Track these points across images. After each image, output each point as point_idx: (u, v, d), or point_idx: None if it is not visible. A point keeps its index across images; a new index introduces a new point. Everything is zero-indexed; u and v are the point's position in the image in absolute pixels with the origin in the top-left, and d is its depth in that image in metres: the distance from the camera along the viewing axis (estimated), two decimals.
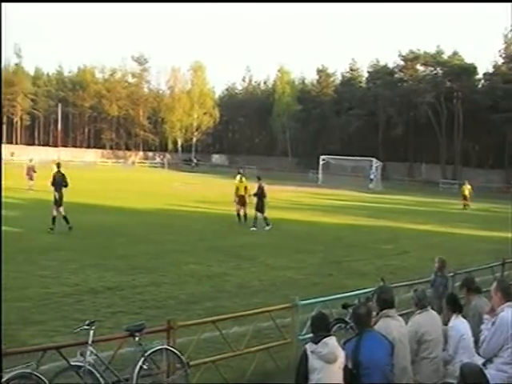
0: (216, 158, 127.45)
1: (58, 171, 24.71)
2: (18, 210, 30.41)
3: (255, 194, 28.13)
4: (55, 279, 15.16)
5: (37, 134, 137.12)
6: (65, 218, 24.00)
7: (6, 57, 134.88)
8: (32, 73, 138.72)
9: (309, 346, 6.64)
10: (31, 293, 13.65)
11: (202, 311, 12.24)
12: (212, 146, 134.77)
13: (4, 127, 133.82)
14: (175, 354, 8.28)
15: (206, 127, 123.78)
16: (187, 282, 15.74)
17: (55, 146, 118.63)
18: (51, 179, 24.53)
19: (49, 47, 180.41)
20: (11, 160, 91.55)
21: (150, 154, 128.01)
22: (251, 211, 28.29)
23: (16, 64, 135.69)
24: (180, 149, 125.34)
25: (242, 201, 28.86)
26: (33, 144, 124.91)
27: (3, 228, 23.70)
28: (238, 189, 29.56)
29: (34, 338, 10.30)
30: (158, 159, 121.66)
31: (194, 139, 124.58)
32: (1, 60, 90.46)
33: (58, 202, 24.04)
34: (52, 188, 24.47)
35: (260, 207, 27.62)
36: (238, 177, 31.29)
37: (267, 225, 27.04)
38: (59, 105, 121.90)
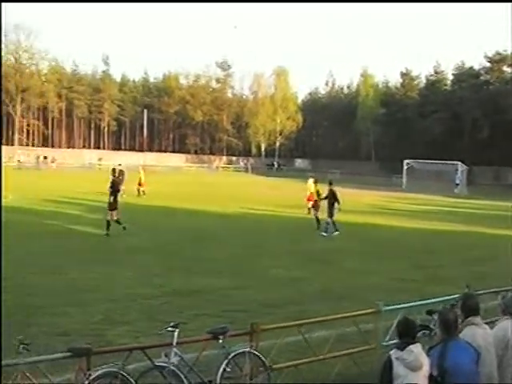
0: (299, 163, 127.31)
1: (114, 176, 25.31)
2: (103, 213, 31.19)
3: (325, 198, 27.74)
4: (141, 281, 15.44)
5: (123, 139, 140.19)
6: (117, 221, 24.32)
7: (94, 64, 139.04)
8: (119, 80, 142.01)
9: (393, 353, 6.51)
10: (118, 294, 13.95)
11: (285, 315, 12.21)
12: (295, 151, 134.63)
13: (92, 133, 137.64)
14: (258, 357, 8.28)
15: (289, 132, 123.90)
16: (271, 285, 15.76)
17: (141, 150, 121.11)
18: (109, 184, 24.96)
19: (135, 54, 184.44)
20: (99, 165, 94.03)
21: (234, 158, 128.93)
22: (322, 216, 28.18)
23: (103, 71, 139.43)
24: (263, 153, 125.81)
25: (315, 205, 28.67)
26: (119, 149, 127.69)
27: (91, 230, 24.45)
28: (310, 193, 29.40)
29: (120, 338, 10.50)
30: (241, 163, 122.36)
31: (277, 144, 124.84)
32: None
33: (112, 206, 24.44)
34: (110, 191, 24.86)
35: (330, 212, 27.15)
36: (310, 181, 31.14)
37: (336, 230, 26.56)
38: (145, 111, 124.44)
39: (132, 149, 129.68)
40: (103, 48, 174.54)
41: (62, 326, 11.25)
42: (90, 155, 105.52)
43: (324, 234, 26.28)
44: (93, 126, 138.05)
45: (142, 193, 44.25)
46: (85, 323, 11.50)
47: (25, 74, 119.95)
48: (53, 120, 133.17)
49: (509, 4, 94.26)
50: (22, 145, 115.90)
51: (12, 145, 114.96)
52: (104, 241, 22.60)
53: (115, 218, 24.30)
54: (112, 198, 24.50)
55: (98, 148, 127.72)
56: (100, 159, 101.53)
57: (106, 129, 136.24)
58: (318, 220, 27.86)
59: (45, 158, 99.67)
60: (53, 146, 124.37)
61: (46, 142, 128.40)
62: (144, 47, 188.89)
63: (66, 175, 69.79)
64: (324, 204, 27.83)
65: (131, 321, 11.81)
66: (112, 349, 8.34)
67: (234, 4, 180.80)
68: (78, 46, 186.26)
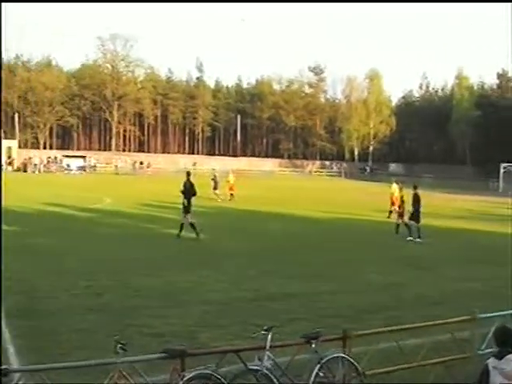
0: (393, 167, 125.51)
1: (188, 180, 25.22)
2: (203, 218, 31.74)
3: (413, 204, 26.90)
4: (235, 284, 15.61)
5: (217, 144, 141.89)
6: (191, 224, 24.43)
7: (189, 71, 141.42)
8: (212, 86, 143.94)
9: (491, 362, 6.36)
10: (212, 297, 14.14)
11: (378, 321, 12.09)
12: (389, 155, 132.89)
13: (186, 138, 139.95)
14: (351, 362, 8.24)
15: (382, 136, 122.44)
16: (365, 291, 15.63)
17: (234, 156, 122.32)
18: (182, 187, 25.07)
19: (228, 61, 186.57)
20: (193, 169, 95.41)
21: (327, 162, 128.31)
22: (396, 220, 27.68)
23: (197, 78, 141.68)
24: (357, 158, 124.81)
25: (400, 211, 28.08)
26: (213, 154, 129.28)
27: (186, 234, 24.87)
28: (394, 197, 28.91)
29: (214, 341, 10.64)
30: (334, 168, 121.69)
31: (371, 148, 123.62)
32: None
33: (187, 209, 24.62)
34: (182, 195, 25.06)
35: (415, 217, 26.41)
36: (394, 185, 30.58)
37: (418, 237, 25.95)
38: (238, 116, 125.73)
39: (226, 154, 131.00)
40: (197, 55, 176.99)
41: (157, 327, 11.50)
42: (185, 160, 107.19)
43: (410, 238, 25.80)
44: (187, 131, 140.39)
45: (231, 197, 44.90)
46: (180, 325, 11.71)
47: (121, 82, 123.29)
48: (148, 126, 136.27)
49: None
50: (118, 150, 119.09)
51: (109, 150, 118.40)
52: (199, 244, 22.97)
53: (190, 221, 24.57)
54: (186, 201, 24.71)
55: (193, 153, 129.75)
56: (194, 164, 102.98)
57: (200, 134, 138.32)
58: (406, 226, 27.25)
59: (141, 163, 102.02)
60: (148, 152, 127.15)
61: (141, 148, 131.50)
62: (237, 53, 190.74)
63: (161, 180, 71.27)
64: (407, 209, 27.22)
65: (225, 324, 11.95)
66: (206, 351, 8.47)
67: (326, 6, 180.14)
68: (172, 53, 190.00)
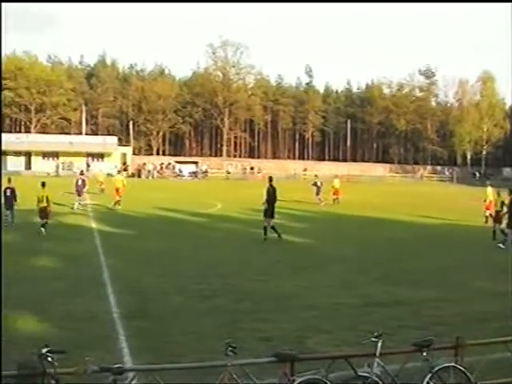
0: (507, 172, 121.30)
1: (271, 185, 25.68)
2: (308, 222, 31.84)
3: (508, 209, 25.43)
4: (342, 290, 15.50)
5: (327, 149, 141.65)
6: (273, 228, 24.78)
7: (298, 76, 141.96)
8: (322, 91, 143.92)
9: None
10: (320, 302, 14.10)
11: (490, 330, 11.70)
12: (503, 159, 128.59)
13: (296, 144, 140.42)
14: (463, 372, 8.01)
15: (496, 139, 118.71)
16: (474, 298, 15.16)
17: (344, 161, 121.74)
18: (265, 195, 25.66)
19: (338, 65, 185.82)
20: (304, 175, 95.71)
21: (439, 167, 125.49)
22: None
23: (307, 83, 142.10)
24: (469, 162, 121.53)
25: (497, 216, 26.74)
26: (323, 159, 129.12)
27: (293, 238, 24.95)
28: (489, 203, 27.85)
29: (322, 346, 10.60)
30: (446, 173, 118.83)
31: (484, 152, 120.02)
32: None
33: (269, 214, 24.99)
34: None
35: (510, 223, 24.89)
36: (489, 189, 29.40)
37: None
38: (348, 121, 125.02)
39: (335, 159, 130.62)
40: (307, 61, 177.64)
41: (266, 331, 11.57)
42: (295, 166, 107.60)
43: (501, 245, 24.56)
44: (297, 137, 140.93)
45: (336, 201, 45.03)
46: (288, 329, 11.73)
47: (232, 89, 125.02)
48: (259, 132, 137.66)
49: None
50: (229, 156, 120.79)
51: (220, 156, 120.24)
52: (306, 248, 22.98)
53: (271, 225, 24.88)
54: (268, 206, 25.12)
55: (303, 159, 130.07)
56: (305, 170, 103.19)
57: (309, 140, 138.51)
58: (502, 232, 25.92)
59: (251, 168, 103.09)
60: (259, 157, 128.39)
61: (252, 153, 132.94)
62: (346, 58, 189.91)
63: None
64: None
65: (333, 329, 11.88)
66: (316, 356, 8.45)
67: (435, 7, 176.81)
68: (282, 59, 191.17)
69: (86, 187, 38.67)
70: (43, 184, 26.00)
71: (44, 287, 14.99)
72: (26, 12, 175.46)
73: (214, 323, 12.10)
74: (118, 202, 37.94)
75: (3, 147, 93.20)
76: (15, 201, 28.33)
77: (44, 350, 6.07)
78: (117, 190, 38.42)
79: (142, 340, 10.85)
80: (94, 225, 29.15)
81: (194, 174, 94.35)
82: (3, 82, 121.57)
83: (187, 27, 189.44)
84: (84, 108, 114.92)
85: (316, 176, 50.28)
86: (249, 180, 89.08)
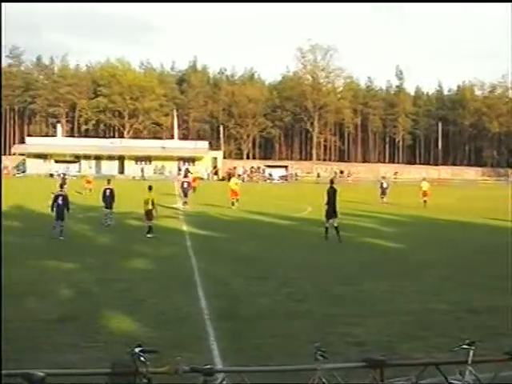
0: None
1: (331, 187, 26.24)
2: (398, 227, 31.45)
3: None
4: (434, 296, 15.18)
5: (417, 153, 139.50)
6: (336, 228, 25.20)
7: (388, 79, 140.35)
8: (412, 93, 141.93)
9: None
10: (411, 308, 13.85)
11: None
12: None
13: (386, 147, 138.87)
14: None
15: None
16: None
17: (435, 164, 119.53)
18: (326, 198, 26.11)
19: (429, 67, 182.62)
20: (394, 179, 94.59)
21: None
22: None
23: (397, 86, 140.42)
24: None
25: None
26: (414, 163, 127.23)
27: (384, 243, 24.65)
28: None
29: (413, 352, 10.40)
30: None
31: None
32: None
33: (329, 215, 25.54)
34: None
35: None
36: None
37: None
38: (439, 123, 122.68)
39: (426, 162, 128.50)
40: (397, 62, 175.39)
41: (356, 335, 11.46)
42: (385, 169, 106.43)
43: None
44: (387, 140, 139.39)
45: (425, 204, 44.86)
46: (378, 335, 11.59)
47: (322, 92, 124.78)
48: (348, 135, 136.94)
49: None
50: (319, 159, 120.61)
51: (310, 159, 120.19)
52: (396, 253, 22.66)
53: (334, 225, 25.33)
54: (329, 207, 25.66)
55: (393, 162, 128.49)
56: (396, 173, 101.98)
57: (400, 143, 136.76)
58: None
59: (341, 172, 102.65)
60: (348, 161, 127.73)
61: (342, 157, 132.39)
62: (438, 59, 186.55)
63: (360, 189, 71.19)
64: None
65: (425, 335, 11.65)
66: (406, 362, 8.32)
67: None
68: (372, 62, 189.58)
69: (191, 190, 39.98)
70: (150, 187, 26.95)
71: (137, 288, 15.34)
72: (119, 20, 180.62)
73: (304, 326, 12.07)
74: (235, 202, 41.07)
75: (98, 152, 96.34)
76: (113, 201, 29.89)
77: (137, 350, 6.18)
78: (233, 192, 41.84)
79: (232, 342, 10.93)
80: (185, 227, 29.63)
81: (284, 177, 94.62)
82: (98, 88, 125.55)
83: (276, 31, 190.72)
84: (175, 113, 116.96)
85: (383, 177, 50.43)
86: (338, 184, 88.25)
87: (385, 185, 48.65)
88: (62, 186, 27.32)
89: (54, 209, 25.47)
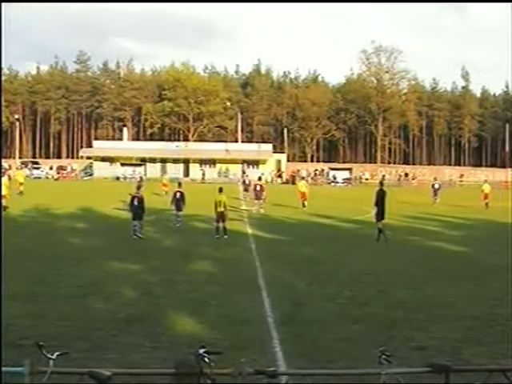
0: None
1: (381, 189, 26.76)
2: (464, 230, 30.99)
3: None
4: (500, 301, 14.88)
5: (484, 155, 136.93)
6: (380, 229, 25.76)
7: (453, 81, 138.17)
8: (478, 95, 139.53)
9: None
10: (477, 313, 13.62)
11: None
12: None
13: (452, 149, 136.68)
14: None
15: None
16: None
17: (502, 166, 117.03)
18: (375, 196, 26.75)
19: (495, 69, 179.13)
20: (460, 181, 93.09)
21: None
22: None
23: (463, 87, 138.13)
24: None
25: None
26: (480, 165, 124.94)
27: (450, 247, 24.31)
28: None
29: (478, 358, 10.24)
30: None
31: None
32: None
33: (379, 217, 26.04)
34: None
35: None
36: None
37: None
38: (506, 125, 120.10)
39: (493, 165, 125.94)
40: (463, 64, 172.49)
41: (420, 340, 11.34)
42: (451, 172, 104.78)
43: None
44: (453, 142, 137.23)
45: (486, 206, 44.99)
46: (443, 339, 11.44)
47: (386, 95, 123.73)
48: (413, 138, 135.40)
49: None
50: (383, 162, 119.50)
51: (374, 162, 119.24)
52: (463, 257, 22.31)
53: (379, 227, 25.85)
54: (378, 209, 26.18)
55: (459, 165, 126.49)
56: (461, 176, 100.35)
57: (466, 145, 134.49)
58: None
59: (406, 175, 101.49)
60: (413, 164, 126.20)
61: (406, 160, 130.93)
62: (504, 59, 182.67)
63: (425, 192, 70.18)
64: None
65: (490, 341, 11.44)
66: (472, 368, 8.21)
67: None
68: (437, 63, 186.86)
69: (264, 192, 40.23)
70: (221, 190, 27.51)
71: (201, 290, 15.50)
72: (184, 25, 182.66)
73: (367, 330, 12.00)
74: (305, 202, 42.72)
75: (164, 155, 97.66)
76: (184, 204, 30.71)
77: (201, 351, 6.26)
78: (302, 194, 43.43)
79: (295, 345, 10.95)
80: (249, 230, 29.78)
81: (348, 180, 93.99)
82: (163, 92, 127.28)
83: (340, 33, 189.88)
84: (240, 116, 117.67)
85: (435, 179, 51.34)
86: (403, 187, 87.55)
87: (436, 186, 49.24)
88: (138, 188, 27.98)
89: (132, 209, 26.75)
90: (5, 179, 41.07)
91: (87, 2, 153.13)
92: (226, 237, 25.98)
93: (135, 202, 26.70)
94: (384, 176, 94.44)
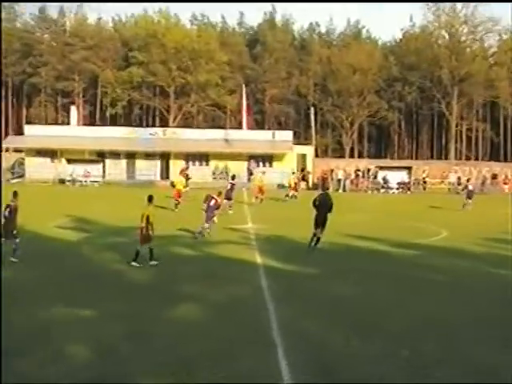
0: None
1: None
2: None
3: None
4: None
5: None
6: None
7: None
8: None
9: None
10: None
11: None
12: None
13: None
14: None
15: None
16: None
17: None
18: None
19: None
20: None
21: None
22: None
23: None
24: None
25: None
26: None
27: None
28: None
29: None
30: None
31: None
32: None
33: None
34: None
35: None
36: None
37: None
38: None
39: None
40: None
41: None
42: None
43: None
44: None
45: None
46: None
47: (464, 57, 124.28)
48: (505, 121, 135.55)
49: None
50: (460, 158, 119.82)
51: (446, 158, 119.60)
52: None
53: None
54: None
55: None
56: None
57: None
58: None
59: (493, 176, 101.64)
60: (505, 160, 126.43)
61: (494, 154, 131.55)
62: None
63: None
64: None
65: None
66: None
67: None
68: None
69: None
70: (150, 199, 28.45)
71: (185, 348, 15.66)
72: None
73: None
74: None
75: (132, 147, 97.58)
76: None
77: None
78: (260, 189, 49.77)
79: None
80: (258, 258, 29.77)
81: (406, 184, 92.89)
82: (130, 54, 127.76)
83: None
84: (245, 89, 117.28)
85: (468, 180, 54.72)
86: (489, 194, 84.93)
87: (470, 187, 50.94)
88: (15, 196, 28.55)
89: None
90: None
91: None
92: (152, 263, 26.53)
93: (6, 214, 27.11)
94: (459, 178, 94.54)
